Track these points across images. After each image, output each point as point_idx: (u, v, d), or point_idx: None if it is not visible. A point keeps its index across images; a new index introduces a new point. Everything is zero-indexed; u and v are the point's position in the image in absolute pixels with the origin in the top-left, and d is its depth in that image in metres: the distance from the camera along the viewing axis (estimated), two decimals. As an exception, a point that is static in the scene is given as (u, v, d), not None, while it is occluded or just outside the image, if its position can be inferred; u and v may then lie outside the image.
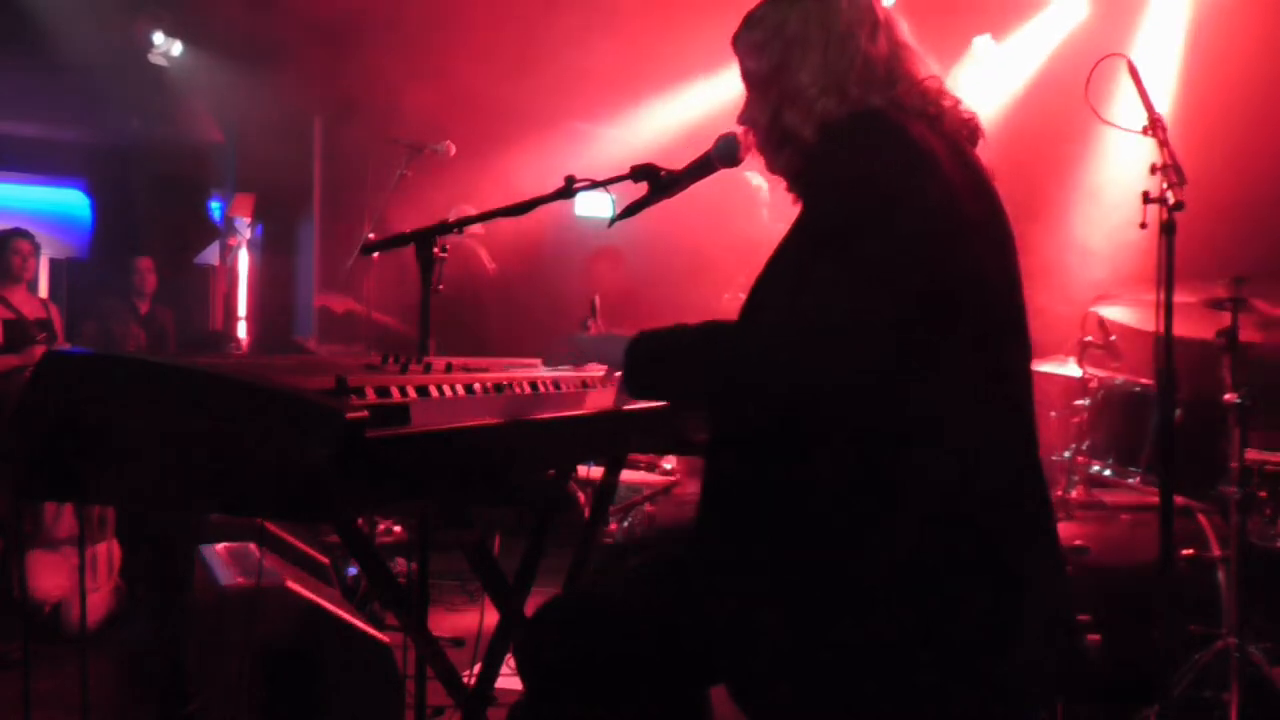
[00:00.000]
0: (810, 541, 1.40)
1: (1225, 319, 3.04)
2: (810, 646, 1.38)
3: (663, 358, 1.53)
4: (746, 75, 1.71)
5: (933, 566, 1.37)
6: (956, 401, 1.42)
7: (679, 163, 1.94)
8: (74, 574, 4.00)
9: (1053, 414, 3.63)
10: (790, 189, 1.71)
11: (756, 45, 1.67)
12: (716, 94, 6.48)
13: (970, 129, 1.63)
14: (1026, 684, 1.43)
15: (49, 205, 8.45)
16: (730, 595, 1.45)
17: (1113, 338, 3.67)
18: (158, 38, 6.43)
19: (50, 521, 4.13)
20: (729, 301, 5.27)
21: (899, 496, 1.38)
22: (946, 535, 1.38)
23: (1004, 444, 1.46)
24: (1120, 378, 3.46)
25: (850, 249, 1.37)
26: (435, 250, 2.20)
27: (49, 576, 4.05)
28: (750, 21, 1.70)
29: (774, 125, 1.65)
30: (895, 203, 1.39)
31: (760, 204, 4.89)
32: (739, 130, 1.79)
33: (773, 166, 1.72)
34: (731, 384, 1.47)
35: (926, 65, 1.63)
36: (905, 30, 1.65)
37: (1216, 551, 3.11)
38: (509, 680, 2.47)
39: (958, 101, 1.62)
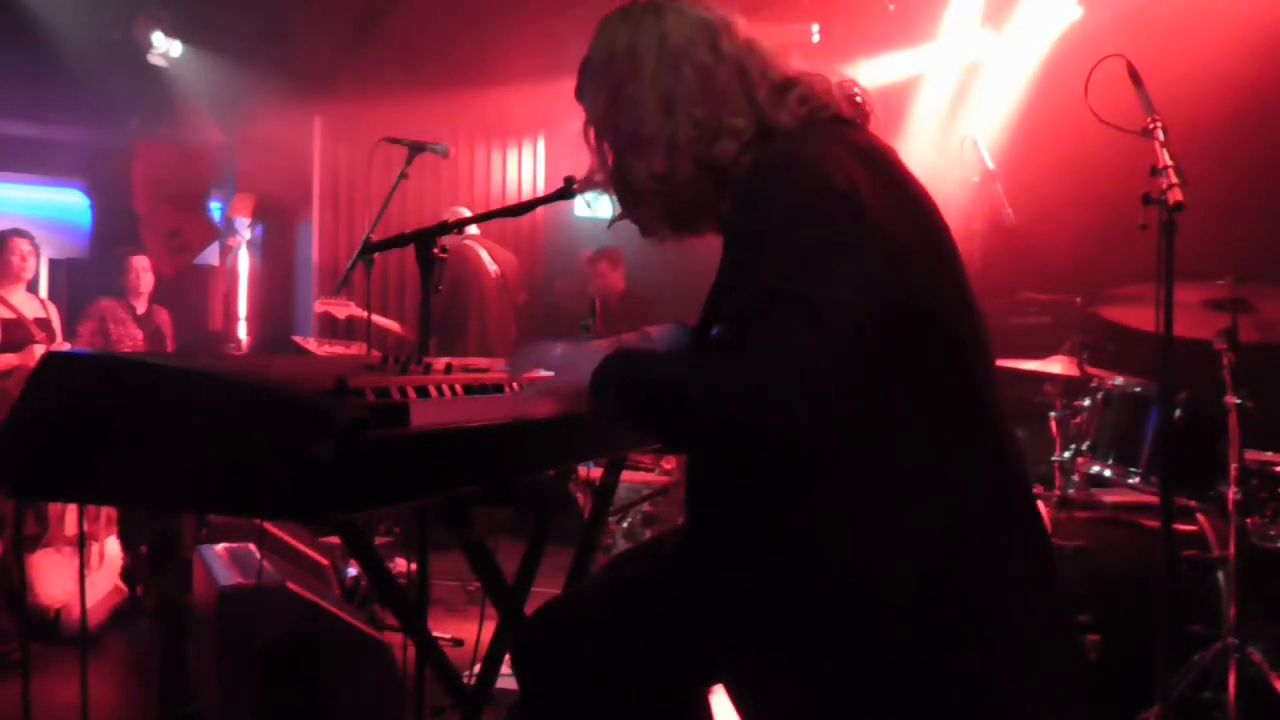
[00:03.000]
0: (804, 542, 1.40)
1: (1225, 319, 3.04)
2: (805, 647, 1.38)
3: (625, 398, 1.46)
4: (585, 125, 1.60)
5: (927, 568, 1.37)
6: (923, 420, 1.39)
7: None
8: (76, 577, 4.01)
9: (1053, 414, 3.63)
10: (653, 228, 1.63)
11: (588, 90, 1.59)
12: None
13: (861, 112, 1.53)
14: (1026, 684, 1.42)
15: (49, 205, 8.45)
16: (725, 595, 1.45)
17: (1110, 347, 3.69)
18: (158, 38, 6.43)
19: (56, 521, 4.13)
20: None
21: (889, 505, 1.38)
22: (934, 543, 1.37)
23: (976, 458, 1.44)
24: (1120, 378, 3.46)
25: (792, 307, 1.29)
26: (435, 251, 2.20)
27: (54, 582, 4.05)
28: (582, 67, 1.60)
29: (621, 179, 1.56)
30: (832, 253, 1.32)
31: None
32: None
33: (635, 220, 1.63)
34: (694, 436, 1.44)
35: (783, 57, 1.54)
36: (743, 26, 1.54)
37: (1216, 552, 3.10)
38: (509, 680, 2.47)
39: (846, 90, 1.52)
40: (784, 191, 1.37)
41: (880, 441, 1.38)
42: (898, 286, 1.36)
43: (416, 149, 3.81)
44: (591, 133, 1.60)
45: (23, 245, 4.82)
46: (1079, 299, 3.81)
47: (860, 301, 1.32)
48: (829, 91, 1.51)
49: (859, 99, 1.53)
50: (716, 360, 1.41)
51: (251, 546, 2.96)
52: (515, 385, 1.79)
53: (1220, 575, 3.06)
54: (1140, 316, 3.22)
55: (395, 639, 2.58)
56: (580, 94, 1.62)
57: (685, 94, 1.49)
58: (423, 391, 1.53)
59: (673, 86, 1.49)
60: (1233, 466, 2.95)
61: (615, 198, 1.62)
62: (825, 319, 1.29)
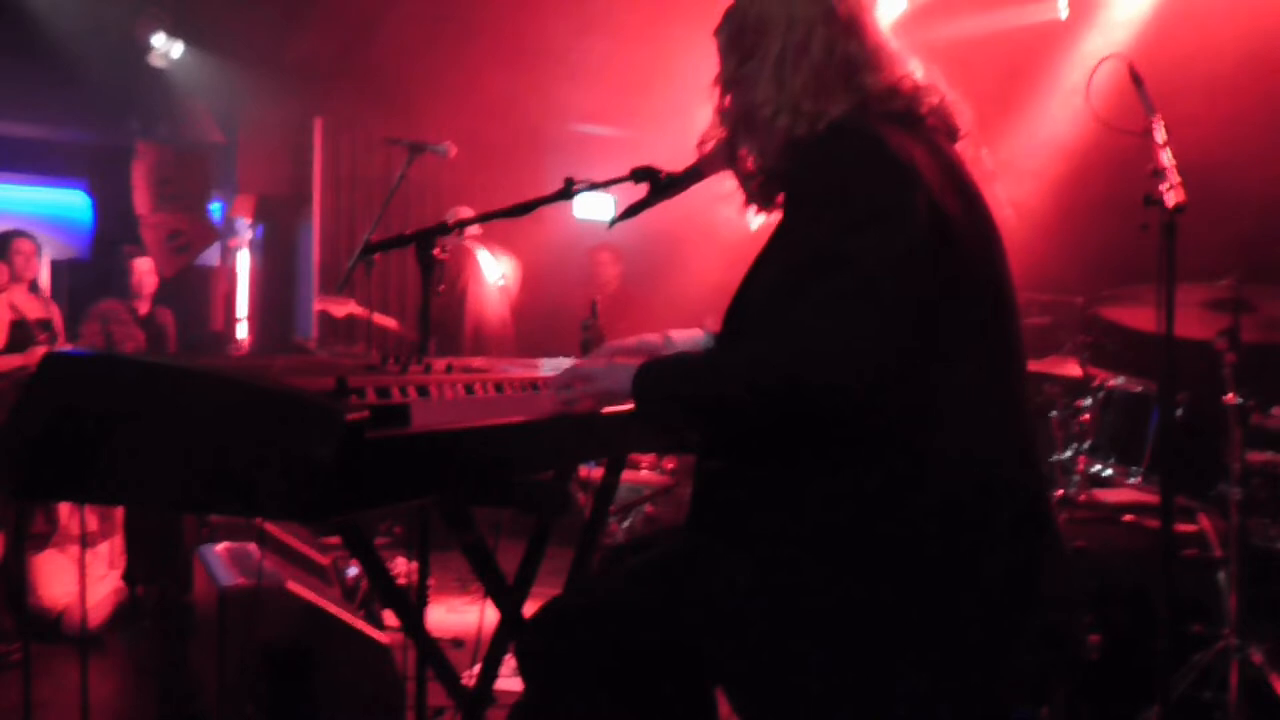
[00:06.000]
0: (806, 541, 1.40)
1: (1226, 319, 3.03)
2: (806, 646, 1.38)
3: (671, 390, 1.51)
4: (717, 76, 1.68)
5: (930, 568, 1.37)
6: (952, 404, 1.42)
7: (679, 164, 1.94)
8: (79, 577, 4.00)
9: (1053, 414, 3.63)
10: (751, 201, 1.69)
11: (720, 48, 1.66)
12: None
13: (949, 126, 1.60)
14: (1026, 683, 1.43)
15: (49, 206, 8.45)
16: (726, 594, 1.45)
17: (1111, 347, 3.69)
18: (158, 39, 6.44)
19: (65, 519, 4.13)
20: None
21: (895, 498, 1.38)
22: (944, 537, 1.38)
23: (1000, 445, 1.46)
24: (1120, 378, 3.46)
25: (845, 267, 1.35)
26: (435, 251, 2.20)
27: (58, 583, 4.04)
28: (723, 18, 1.67)
29: (731, 144, 1.65)
30: (884, 216, 1.37)
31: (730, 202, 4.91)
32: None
33: (735, 172, 1.69)
34: (737, 406, 1.44)
35: (903, 62, 1.59)
36: (880, 25, 1.60)
37: (1217, 552, 3.10)
38: (509, 680, 2.48)
39: (936, 97, 1.58)
40: (841, 155, 1.44)
41: (896, 428, 1.40)
42: (939, 270, 1.40)
43: (416, 149, 3.81)
44: (717, 83, 1.67)
45: (25, 246, 4.83)
46: (1079, 299, 3.81)
47: (910, 264, 1.36)
48: (924, 103, 1.56)
49: (954, 119, 1.60)
50: (760, 335, 1.46)
51: (251, 546, 2.96)
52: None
53: (1220, 575, 3.06)
54: (1141, 316, 3.22)
55: (395, 639, 2.58)
56: (716, 37, 1.67)
57: (806, 88, 1.53)
58: (424, 391, 1.53)
59: (797, 83, 1.54)
60: (1234, 466, 2.95)
61: (726, 158, 1.69)
62: (875, 282, 1.34)
